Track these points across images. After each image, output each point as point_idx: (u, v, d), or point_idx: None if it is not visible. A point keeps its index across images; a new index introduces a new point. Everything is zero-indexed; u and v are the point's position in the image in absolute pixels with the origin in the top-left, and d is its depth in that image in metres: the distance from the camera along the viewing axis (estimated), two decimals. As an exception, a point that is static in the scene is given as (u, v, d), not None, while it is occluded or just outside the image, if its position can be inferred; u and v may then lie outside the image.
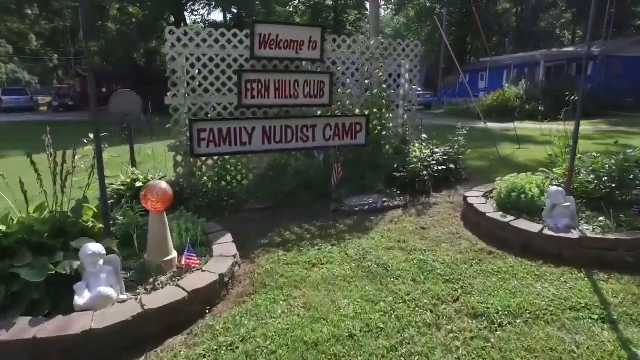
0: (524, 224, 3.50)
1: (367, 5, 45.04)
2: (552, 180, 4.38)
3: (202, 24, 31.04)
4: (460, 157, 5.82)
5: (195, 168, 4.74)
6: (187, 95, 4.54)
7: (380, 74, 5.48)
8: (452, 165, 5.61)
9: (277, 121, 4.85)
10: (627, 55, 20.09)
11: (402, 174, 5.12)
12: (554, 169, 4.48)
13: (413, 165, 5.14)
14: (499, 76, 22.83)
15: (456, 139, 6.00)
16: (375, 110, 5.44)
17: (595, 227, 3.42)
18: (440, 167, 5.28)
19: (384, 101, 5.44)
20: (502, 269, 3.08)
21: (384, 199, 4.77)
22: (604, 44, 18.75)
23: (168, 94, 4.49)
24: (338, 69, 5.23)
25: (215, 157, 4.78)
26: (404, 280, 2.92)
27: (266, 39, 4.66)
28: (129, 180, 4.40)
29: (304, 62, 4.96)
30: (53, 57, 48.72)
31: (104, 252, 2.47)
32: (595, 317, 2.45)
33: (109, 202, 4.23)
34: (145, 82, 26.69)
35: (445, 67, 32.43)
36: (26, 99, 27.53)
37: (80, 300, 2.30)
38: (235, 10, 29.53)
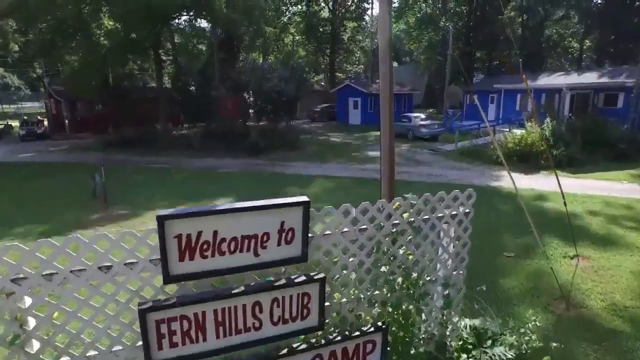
0: None
1: (369, 11, 42.87)
2: None
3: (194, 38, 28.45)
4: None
5: None
6: (31, 371, 2.25)
7: (409, 254, 3.20)
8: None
9: (222, 380, 2.59)
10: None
11: None
12: None
13: None
14: (510, 104, 20.56)
15: (522, 331, 3.75)
16: (397, 314, 3.17)
17: None
18: None
19: (413, 300, 3.17)
20: None
21: None
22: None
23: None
24: (335, 260, 2.96)
25: None
26: None
27: (192, 243, 2.38)
28: None
29: (271, 268, 2.69)
30: (35, 68, 46.48)
31: None
32: None
33: None
34: (123, 102, 24.32)
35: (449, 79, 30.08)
36: (-9, 127, 24.72)
37: None
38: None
